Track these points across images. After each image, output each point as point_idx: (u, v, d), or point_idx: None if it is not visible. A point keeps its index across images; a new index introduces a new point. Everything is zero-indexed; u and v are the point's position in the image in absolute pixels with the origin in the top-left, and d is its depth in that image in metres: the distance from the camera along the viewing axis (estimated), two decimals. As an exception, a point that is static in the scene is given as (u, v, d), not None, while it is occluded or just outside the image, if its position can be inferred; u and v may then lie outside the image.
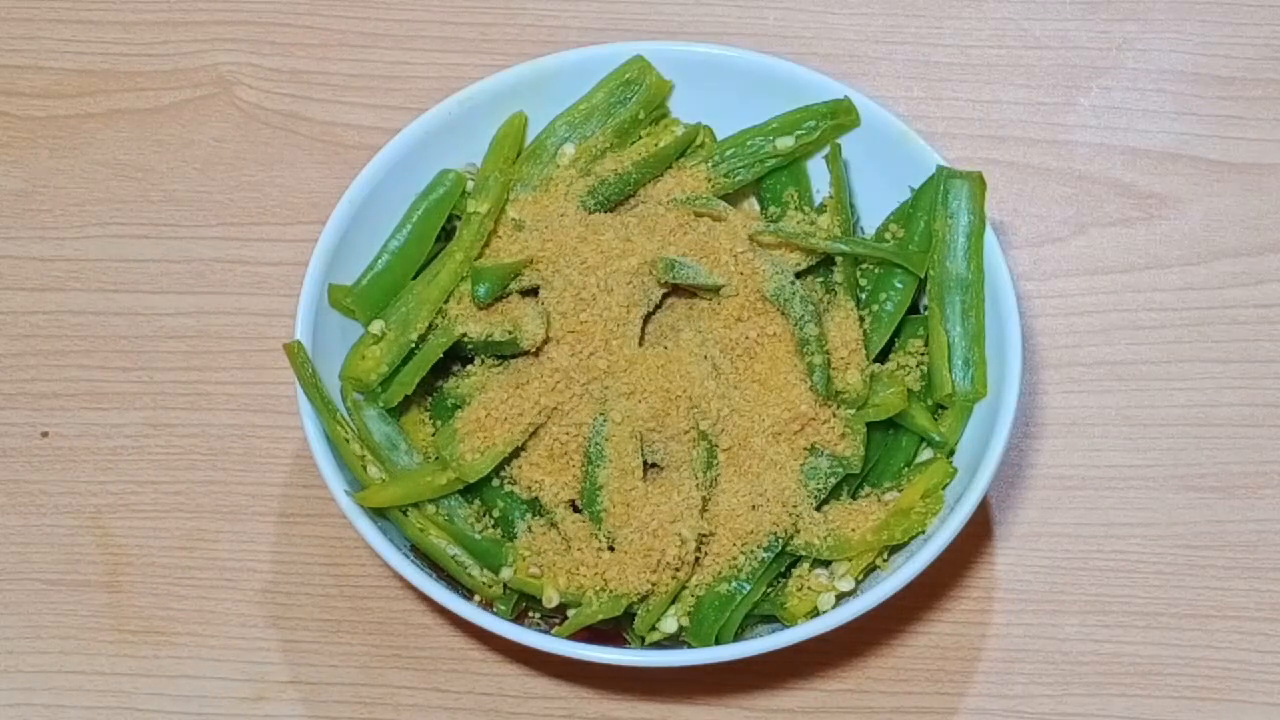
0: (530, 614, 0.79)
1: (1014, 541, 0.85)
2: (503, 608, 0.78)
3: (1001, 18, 0.97)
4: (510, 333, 0.78)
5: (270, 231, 0.92)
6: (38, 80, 0.95)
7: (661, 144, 0.84)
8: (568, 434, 0.78)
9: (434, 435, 0.80)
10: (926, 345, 0.81)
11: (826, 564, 0.78)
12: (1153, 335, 0.89)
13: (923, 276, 0.81)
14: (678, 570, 0.76)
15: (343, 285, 0.81)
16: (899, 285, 0.81)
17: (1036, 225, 0.92)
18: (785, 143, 0.84)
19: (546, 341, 0.78)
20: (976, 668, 0.82)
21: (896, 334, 0.82)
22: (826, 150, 0.84)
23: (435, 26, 0.96)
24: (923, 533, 0.77)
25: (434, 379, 0.81)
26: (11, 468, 0.86)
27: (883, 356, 0.82)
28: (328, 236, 0.81)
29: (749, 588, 0.76)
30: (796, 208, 0.84)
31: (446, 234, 0.83)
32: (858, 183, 0.85)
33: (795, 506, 0.77)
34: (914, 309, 0.82)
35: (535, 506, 0.79)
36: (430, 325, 0.80)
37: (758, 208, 0.85)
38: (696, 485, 0.77)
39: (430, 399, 0.81)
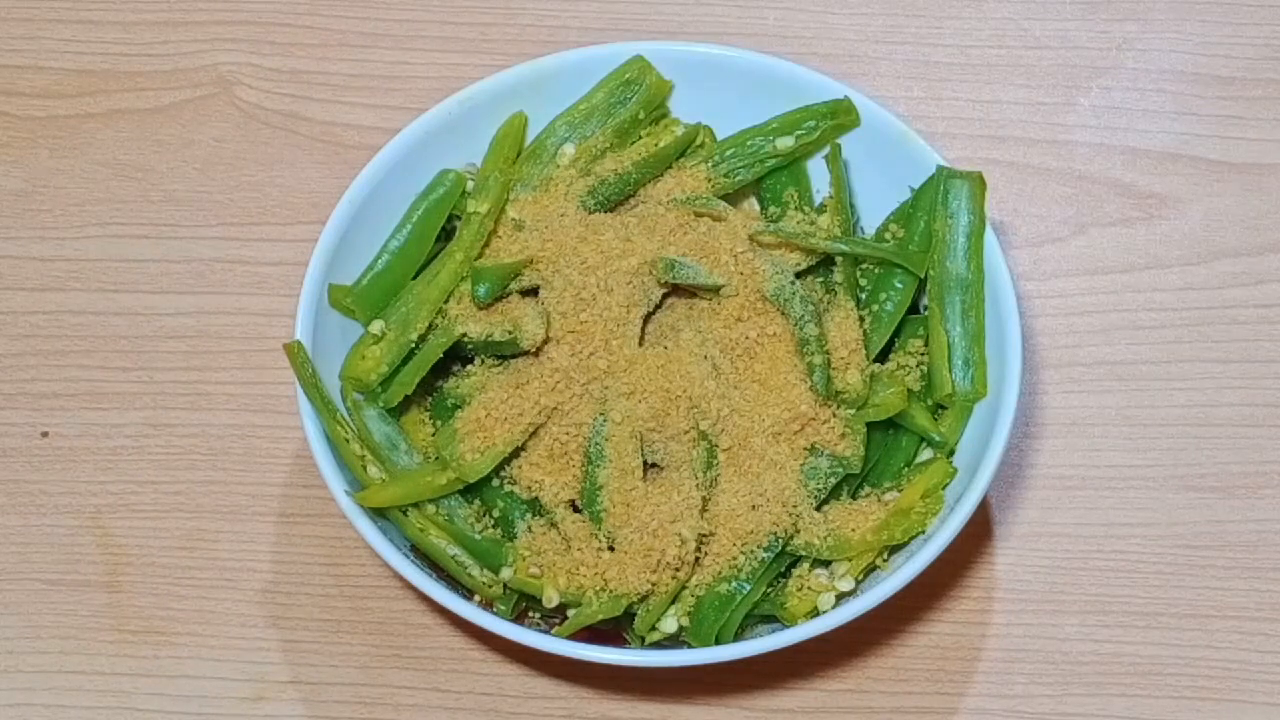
0: (530, 614, 0.79)
1: (1014, 541, 0.85)
2: (503, 608, 0.78)
3: (1001, 18, 0.97)
4: (510, 333, 0.78)
5: (270, 231, 0.92)
6: (38, 80, 0.95)
7: (661, 144, 0.84)
8: (568, 434, 0.78)
9: (434, 435, 0.80)
10: (926, 345, 0.81)
11: (826, 564, 0.78)
12: (1153, 335, 0.89)
13: (923, 276, 0.81)
14: (678, 570, 0.76)
15: (343, 285, 0.81)
16: (899, 285, 0.81)
17: (1036, 225, 0.92)
18: (785, 143, 0.84)
19: (546, 341, 0.78)
20: (976, 668, 0.82)
21: (896, 334, 0.82)
22: (826, 150, 0.84)
23: (435, 26, 0.96)
24: (923, 533, 0.77)
25: (434, 379, 0.81)
26: (11, 468, 0.86)
27: (883, 356, 0.82)
28: (328, 236, 0.81)
29: (749, 588, 0.76)
30: (796, 208, 0.84)
31: (446, 234, 0.83)
32: (858, 183, 0.85)
33: (795, 506, 0.77)
34: (914, 309, 0.82)
35: (535, 506, 0.79)
36: (430, 325, 0.80)
37: (758, 208, 0.85)
38: (696, 485, 0.77)
39: (430, 399, 0.81)
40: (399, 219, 0.82)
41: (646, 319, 0.80)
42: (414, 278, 0.82)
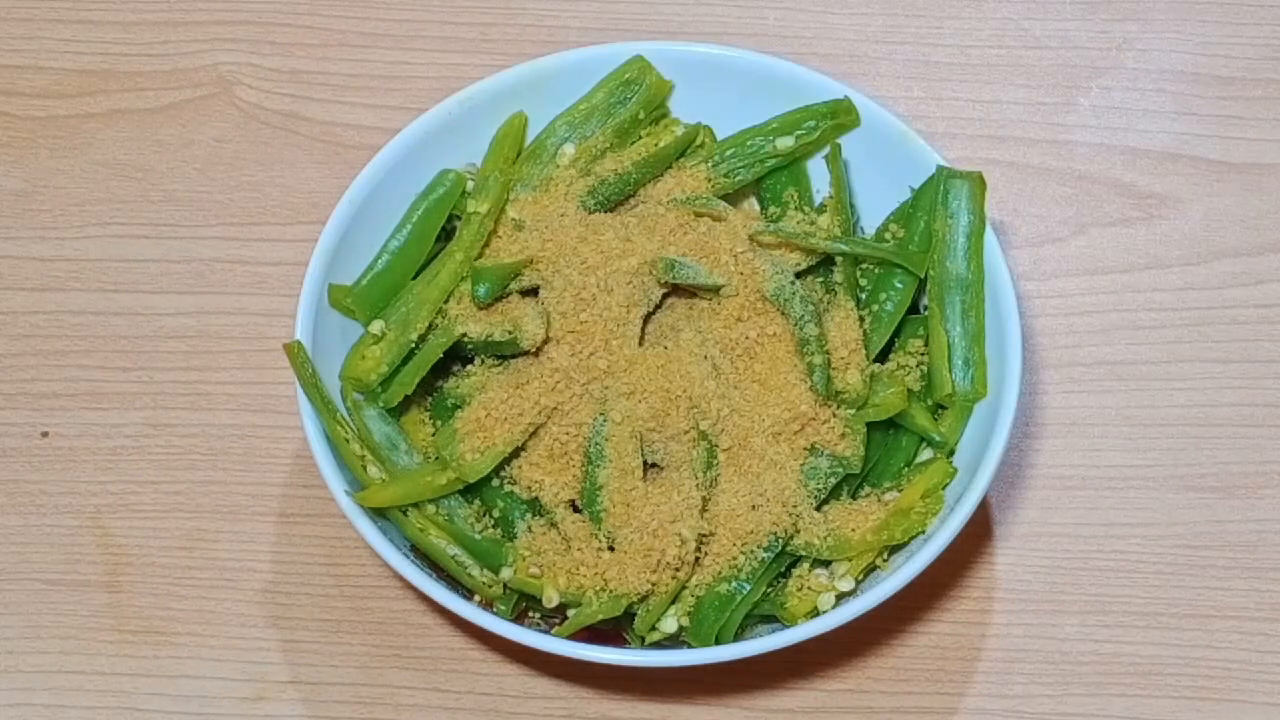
0: (530, 614, 0.79)
1: (1014, 541, 0.85)
2: (503, 608, 0.78)
3: (1001, 18, 0.97)
4: (510, 333, 0.78)
5: (270, 231, 0.92)
6: (38, 80, 0.95)
7: (661, 144, 0.84)
8: (568, 434, 0.78)
9: (434, 435, 0.80)
10: (926, 345, 0.81)
11: (826, 564, 0.78)
12: (1153, 335, 0.89)
13: (923, 276, 0.81)
14: (678, 570, 0.76)
15: (343, 285, 0.81)
16: (899, 285, 0.81)
17: (1036, 225, 0.92)
18: (785, 143, 0.84)
19: (546, 341, 0.78)
20: (976, 668, 0.82)
21: (896, 334, 0.82)
22: (826, 150, 0.84)
23: (435, 26, 0.96)
24: (923, 533, 0.77)
25: (434, 379, 0.81)
26: (11, 468, 0.86)
27: (883, 356, 0.82)
28: (328, 236, 0.81)
29: (749, 588, 0.76)
30: (796, 208, 0.84)
31: (446, 234, 0.83)
32: (858, 183, 0.85)
33: (795, 506, 0.77)
34: (914, 309, 0.82)
35: (535, 506, 0.79)
36: (430, 325, 0.80)
37: (758, 208, 0.85)
38: (696, 485, 0.77)
39: (430, 399, 0.81)
40: (399, 219, 0.82)
41: (646, 319, 0.80)
42: (414, 278, 0.82)
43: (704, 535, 0.76)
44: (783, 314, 0.78)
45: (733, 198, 0.84)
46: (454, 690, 0.82)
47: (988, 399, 0.79)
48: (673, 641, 0.77)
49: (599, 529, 0.77)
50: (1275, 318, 0.89)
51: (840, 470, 0.78)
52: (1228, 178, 0.92)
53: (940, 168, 0.82)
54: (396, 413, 0.80)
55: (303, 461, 0.86)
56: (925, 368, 0.81)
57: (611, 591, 0.76)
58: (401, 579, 0.79)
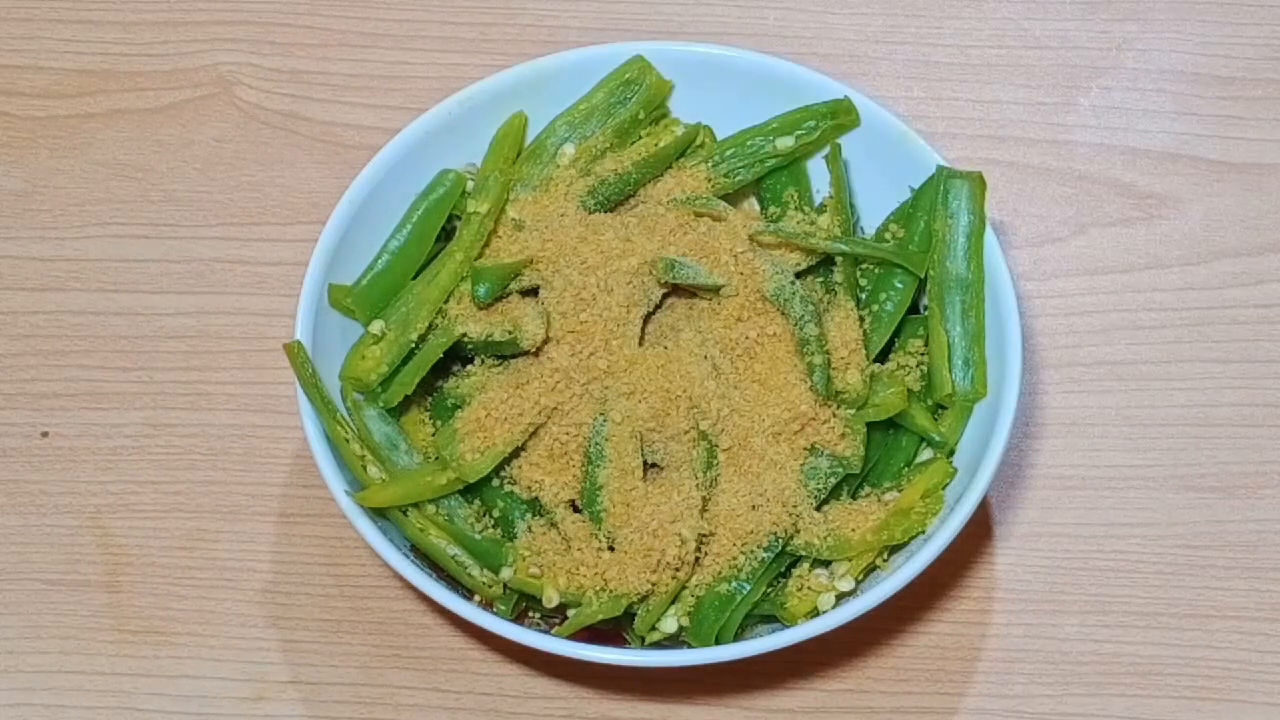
0: (530, 614, 0.79)
1: (1014, 541, 0.85)
2: (503, 608, 0.78)
3: (1001, 18, 0.97)
4: (510, 333, 0.78)
5: (270, 231, 0.92)
6: (38, 80, 0.95)
7: (661, 144, 0.84)
8: (568, 434, 0.78)
9: (434, 435, 0.80)
10: (926, 345, 0.81)
11: (826, 564, 0.78)
12: (1153, 335, 0.89)
13: (923, 276, 0.81)
14: (678, 570, 0.76)
15: (343, 285, 0.81)
16: (899, 285, 0.81)
17: (1036, 225, 0.92)
18: (785, 143, 0.84)
19: (546, 341, 0.78)
20: (976, 668, 0.82)
21: (896, 334, 0.82)
22: (826, 150, 0.84)
23: (435, 26, 0.96)
24: (923, 533, 0.77)
25: (434, 379, 0.81)
26: (11, 468, 0.86)
27: (883, 356, 0.82)
28: (328, 236, 0.81)
29: (749, 588, 0.76)
30: (796, 208, 0.84)
31: (446, 234, 0.83)
32: (858, 183, 0.85)
33: (795, 506, 0.77)
34: (914, 309, 0.82)
35: (535, 506, 0.79)
36: (430, 325, 0.80)
37: (758, 208, 0.85)
38: (696, 485, 0.77)
39: (430, 399, 0.81)
40: (399, 219, 0.82)
41: (646, 319, 0.80)
42: (414, 278, 0.82)
43: (704, 535, 0.76)
44: (783, 314, 0.78)
45: (733, 198, 0.84)
46: (454, 690, 0.82)
47: (988, 399, 0.79)
48: (673, 641, 0.77)
49: (599, 529, 0.77)
50: (1275, 318, 0.89)
51: (840, 470, 0.78)
52: (1228, 178, 0.92)
53: (940, 168, 0.82)
54: (396, 413, 0.80)
55: (303, 461, 0.86)
56: (925, 368, 0.81)
57: (611, 591, 0.76)
58: (401, 579, 0.79)
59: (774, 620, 0.78)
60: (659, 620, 0.77)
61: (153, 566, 0.84)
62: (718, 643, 0.76)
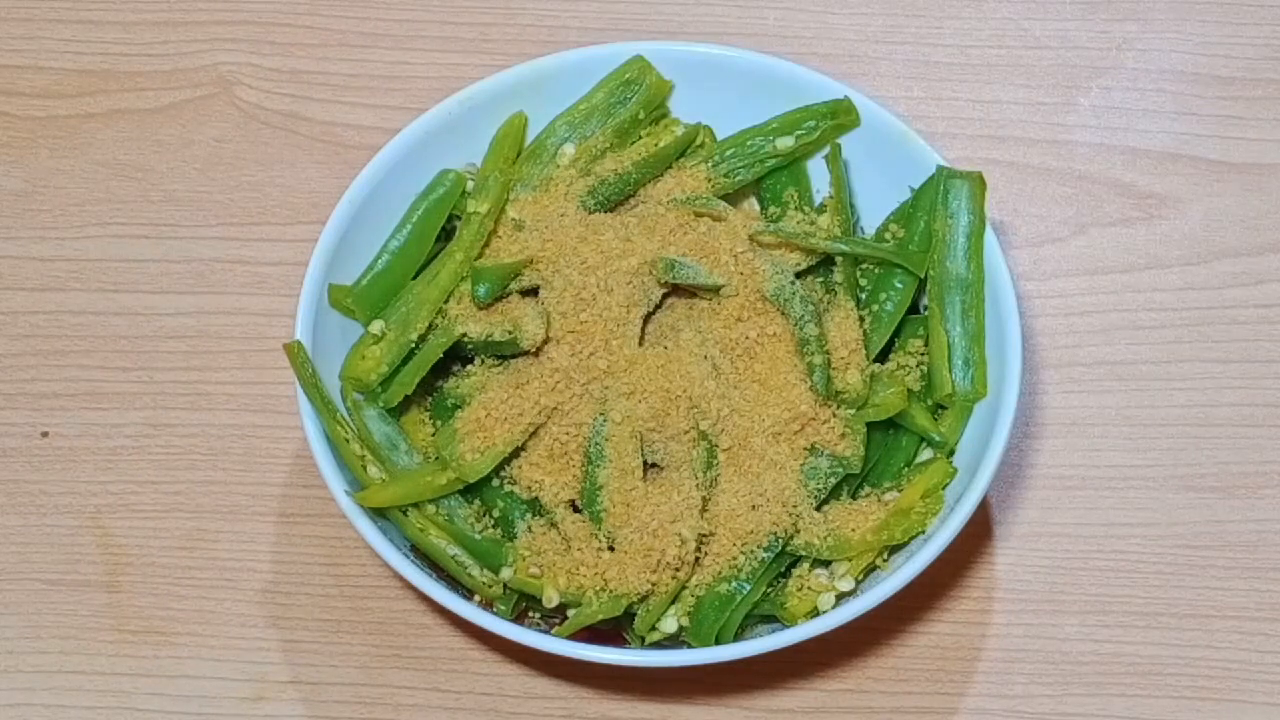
0: (530, 614, 0.79)
1: (1014, 541, 0.85)
2: (503, 608, 0.78)
3: (1001, 18, 0.97)
4: (510, 333, 0.78)
5: (270, 231, 0.92)
6: (38, 80, 0.95)
7: (661, 144, 0.84)
8: (568, 434, 0.78)
9: (434, 435, 0.80)
10: (926, 345, 0.81)
11: (826, 564, 0.78)
12: (1153, 335, 0.89)
13: (923, 276, 0.81)
14: (678, 570, 0.76)
15: (343, 285, 0.81)
16: (899, 285, 0.81)
17: (1036, 225, 0.92)
18: (785, 143, 0.84)
19: (546, 341, 0.78)
20: (976, 668, 0.82)
21: (896, 334, 0.82)
22: (826, 150, 0.84)
23: (435, 26, 0.96)
24: (923, 533, 0.77)
25: (434, 379, 0.81)
26: (11, 468, 0.86)
27: (883, 356, 0.82)
28: (328, 236, 0.81)
29: (749, 588, 0.76)
30: (796, 208, 0.84)
31: (446, 234, 0.83)
32: (858, 183, 0.85)
33: (795, 506, 0.77)
34: (914, 309, 0.82)
35: (535, 506, 0.79)
36: (430, 325, 0.80)
37: (758, 208, 0.85)
38: (696, 485, 0.77)
39: (430, 399, 0.81)
40: (399, 219, 0.82)
41: (646, 319, 0.80)
42: (414, 278, 0.82)
43: (704, 535, 0.76)
44: (783, 314, 0.78)
45: (733, 198, 0.84)
46: (454, 690, 0.82)
47: (988, 399, 0.79)
48: (673, 641, 0.77)
49: (599, 529, 0.77)
50: (1275, 318, 0.89)
51: (840, 470, 0.78)
52: (1228, 178, 0.92)
53: (940, 168, 0.82)
54: (396, 413, 0.80)
55: (303, 461, 0.86)
56: (925, 368, 0.81)
57: (611, 591, 0.76)
58: (401, 579, 0.79)
59: (774, 620, 0.78)
60: (659, 620, 0.77)
61: (153, 566, 0.84)
62: (718, 643, 0.76)
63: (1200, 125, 0.94)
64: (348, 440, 0.78)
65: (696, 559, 0.76)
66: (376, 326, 0.80)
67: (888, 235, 0.83)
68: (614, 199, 0.83)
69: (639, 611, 0.77)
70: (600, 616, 0.76)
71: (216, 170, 0.93)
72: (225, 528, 0.85)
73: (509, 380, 0.79)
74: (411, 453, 0.79)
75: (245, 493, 0.86)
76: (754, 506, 0.77)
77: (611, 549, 0.77)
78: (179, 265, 0.91)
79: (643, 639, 0.77)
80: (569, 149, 0.83)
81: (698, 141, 0.85)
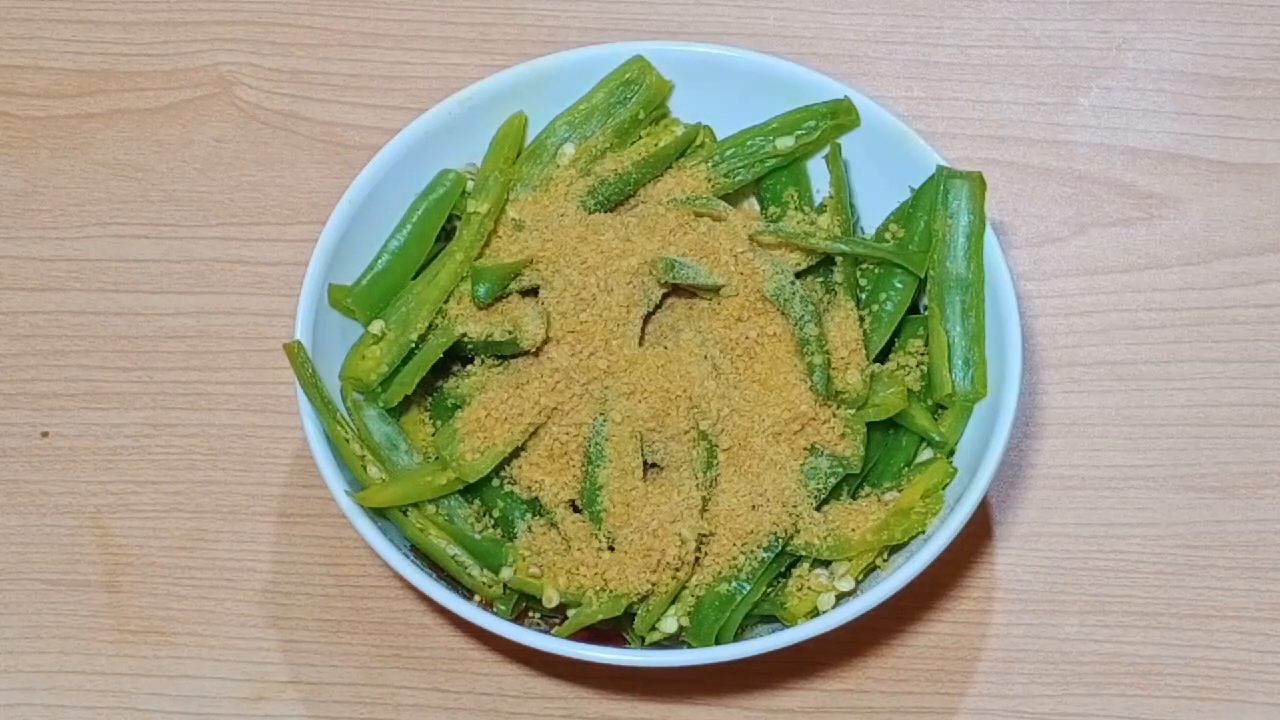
0: (530, 614, 0.79)
1: (1014, 541, 0.85)
2: (503, 608, 0.78)
3: (1001, 18, 0.97)
4: (510, 333, 0.78)
5: (270, 231, 0.92)
6: (38, 80, 0.95)
7: (661, 144, 0.84)
8: (568, 434, 0.78)
9: (434, 435, 0.80)
10: (926, 345, 0.81)
11: (826, 564, 0.78)
12: (1153, 335, 0.89)
13: (923, 276, 0.81)
14: (678, 570, 0.76)
15: (343, 285, 0.81)
16: (899, 285, 0.81)
17: (1036, 225, 0.92)
18: (785, 143, 0.84)
19: (546, 341, 0.78)
20: (976, 668, 0.82)
21: (896, 334, 0.82)
22: (826, 150, 0.84)
23: (435, 26, 0.96)
24: (923, 533, 0.77)
25: (434, 379, 0.81)
26: (11, 468, 0.86)
27: (883, 356, 0.82)
28: (328, 236, 0.81)
29: (749, 588, 0.76)
30: (796, 208, 0.84)
31: (446, 234, 0.83)
32: (858, 183, 0.85)
33: (795, 506, 0.77)
34: (914, 309, 0.82)
35: (535, 506, 0.79)
36: (430, 325, 0.80)
37: (758, 208, 0.85)
38: (696, 485, 0.77)
39: (430, 399, 0.81)
40: (399, 219, 0.82)
41: (646, 319, 0.80)
42: (414, 278, 0.82)
43: (704, 535, 0.76)
44: (783, 314, 0.78)
45: (733, 198, 0.84)
46: (454, 690, 0.82)
47: (988, 399, 0.79)
48: (673, 641, 0.77)
49: (599, 529, 0.77)
50: (1275, 318, 0.89)
51: (840, 470, 0.78)
52: (1228, 178, 0.92)
53: (940, 168, 0.82)
54: (396, 413, 0.80)
55: (303, 461, 0.86)
56: (925, 368, 0.81)
57: (611, 591, 0.76)
58: (401, 579, 0.79)
59: (774, 620, 0.78)
60: (659, 620, 0.77)
61: (153, 566, 0.84)
62: (718, 643, 0.76)
63: (1200, 125, 0.94)
64: (348, 440, 0.78)
65: (696, 559, 0.76)
66: (376, 326, 0.80)
67: (888, 235, 0.83)
68: (614, 199, 0.83)
69: (639, 611, 0.77)
70: (600, 616, 0.76)
71: (216, 170, 0.93)
72: (225, 528, 0.85)
73: (509, 380, 0.79)
74: (411, 453, 0.79)
75: (245, 493, 0.86)
76: (754, 506, 0.77)
77: (611, 549, 0.77)
78: (179, 265, 0.91)
79: (643, 639, 0.77)
80: (569, 149, 0.83)
81: (698, 141, 0.85)
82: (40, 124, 0.94)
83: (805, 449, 0.78)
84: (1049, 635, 0.83)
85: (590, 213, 0.82)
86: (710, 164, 0.83)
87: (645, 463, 0.78)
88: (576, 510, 0.78)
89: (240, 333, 0.89)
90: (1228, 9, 0.96)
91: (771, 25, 0.96)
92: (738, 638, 0.77)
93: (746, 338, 0.79)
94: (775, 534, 0.76)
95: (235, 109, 0.94)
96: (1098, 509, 0.85)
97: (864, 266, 0.82)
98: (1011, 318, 0.79)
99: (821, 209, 0.84)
